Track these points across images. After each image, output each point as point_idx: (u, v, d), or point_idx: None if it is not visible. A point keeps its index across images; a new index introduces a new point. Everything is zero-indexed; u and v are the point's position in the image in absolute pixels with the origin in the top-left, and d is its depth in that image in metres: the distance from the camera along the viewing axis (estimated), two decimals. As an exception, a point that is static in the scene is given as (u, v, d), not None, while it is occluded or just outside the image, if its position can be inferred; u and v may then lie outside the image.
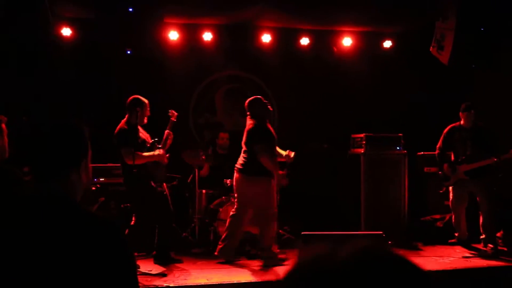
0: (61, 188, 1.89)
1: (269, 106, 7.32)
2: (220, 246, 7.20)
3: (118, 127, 6.79)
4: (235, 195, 7.29)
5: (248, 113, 7.28)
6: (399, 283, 0.96)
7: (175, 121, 7.35)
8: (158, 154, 6.95)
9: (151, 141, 7.01)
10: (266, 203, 7.05)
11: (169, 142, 7.22)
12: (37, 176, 1.91)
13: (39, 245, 1.75)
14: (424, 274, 1.00)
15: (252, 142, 7.06)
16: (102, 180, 8.18)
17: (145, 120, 6.98)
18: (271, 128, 7.21)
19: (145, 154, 6.80)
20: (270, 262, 6.94)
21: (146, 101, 6.95)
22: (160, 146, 7.07)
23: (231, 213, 7.30)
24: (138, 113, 6.81)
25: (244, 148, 7.21)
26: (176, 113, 7.39)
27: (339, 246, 1.00)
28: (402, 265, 0.99)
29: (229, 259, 7.18)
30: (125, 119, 6.86)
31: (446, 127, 8.18)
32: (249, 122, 7.22)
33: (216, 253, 7.21)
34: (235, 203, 7.28)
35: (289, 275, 1.02)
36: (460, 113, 8.00)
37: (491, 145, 7.72)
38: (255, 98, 7.31)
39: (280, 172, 7.27)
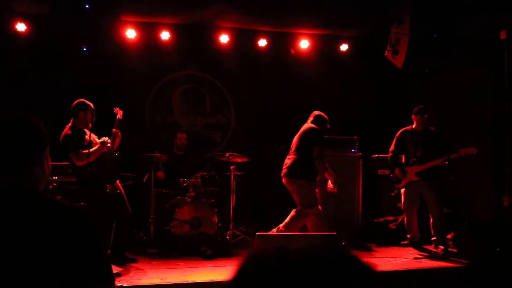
0: (25, 180, 1.92)
1: (328, 125, 7.74)
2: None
3: (63, 133, 6.69)
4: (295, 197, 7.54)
5: (309, 119, 7.77)
6: (346, 275, 0.98)
7: (121, 119, 7.20)
8: (103, 143, 6.78)
9: (99, 141, 6.90)
10: (308, 204, 7.39)
11: (117, 140, 7.11)
12: (1, 169, 1.92)
13: (10, 236, 1.76)
14: (369, 267, 1.02)
15: (311, 143, 7.46)
16: (55, 179, 8.05)
17: (90, 125, 6.84)
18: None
19: (91, 150, 6.65)
20: None
21: (90, 104, 6.85)
22: (109, 145, 6.97)
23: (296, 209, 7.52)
24: (81, 117, 6.74)
25: (292, 152, 7.60)
26: (121, 111, 7.24)
27: (289, 241, 1.02)
28: (349, 258, 1.02)
29: None
30: (69, 124, 6.78)
31: (399, 130, 8.34)
32: (307, 125, 7.68)
33: None
34: (299, 205, 7.51)
35: (241, 267, 1.03)
36: (413, 116, 8.17)
37: (442, 148, 7.90)
38: (322, 115, 7.76)
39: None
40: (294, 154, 7.54)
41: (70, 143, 6.62)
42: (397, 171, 8.18)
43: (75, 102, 6.83)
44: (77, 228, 1.83)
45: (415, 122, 8.16)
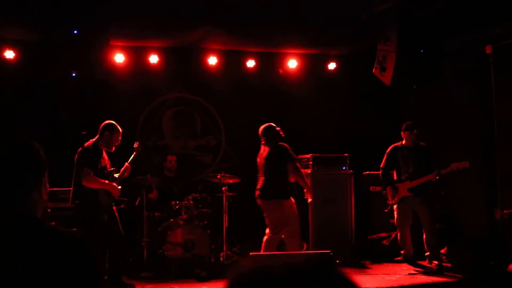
0: (23, 205, 1.91)
1: (281, 132, 7.62)
2: None
3: (85, 145, 6.67)
4: (266, 219, 7.53)
5: (262, 138, 7.62)
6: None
7: (137, 154, 7.31)
8: (113, 187, 6.83)
9: (110, 170, 6.91)
10: (287, 222, 7.37)
11: (125, 175, 7.13)
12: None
13: (6, 263, 1.74)
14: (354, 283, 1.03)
15: (283, 162, 7.43)
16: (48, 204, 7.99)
17: (113, 148, 6.90)
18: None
19: (102, 180, 6.68)
20: None
21: (119, 128, 6.91)
22: (117, 176, 6.98)
23: (266, 236, 7.47)
24: (106, 137, 6.76)
25: (262, 173, 7.53)
26: (140, 147, 7.43)
27: (276, 260, 1.02)
28: (335, 274, 1.03)
29: None
30: (93, 140, 6.77)
31: (389, 147, 8.37)
32: (264, 149, 7.57)
33: None
34: (268, 227, 7.50)
35: (233, 279, 1.04)
36: (402, 133, 8.20)
37: (432, 163, 7.94)
38: (268, 125, 7.65)
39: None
40: (263, 176, 7.52)
41: (87, 159, 6.58)
42: (388, 189, 8.20)
43: (105, 122, 6.87)
44: (74, 255, 1.81)
45: (404, 139, 8.19)
